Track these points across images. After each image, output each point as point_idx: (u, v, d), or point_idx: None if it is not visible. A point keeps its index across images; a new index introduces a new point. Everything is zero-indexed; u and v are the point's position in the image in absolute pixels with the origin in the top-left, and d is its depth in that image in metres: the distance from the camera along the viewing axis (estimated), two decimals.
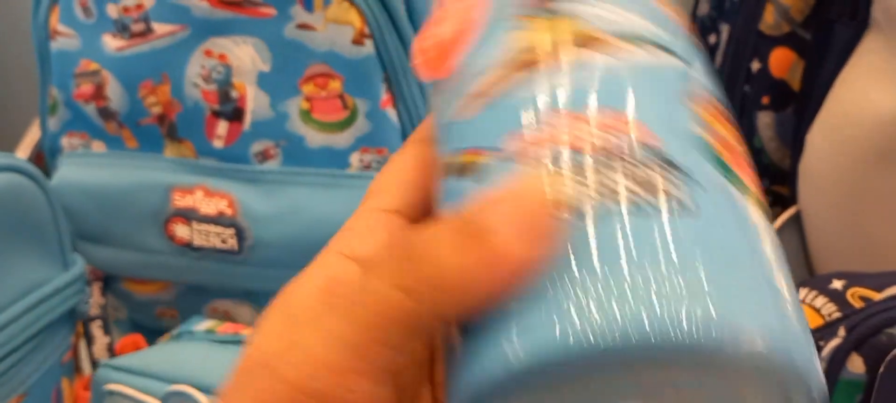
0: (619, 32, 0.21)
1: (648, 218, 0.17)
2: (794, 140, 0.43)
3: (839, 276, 0.36)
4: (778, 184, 0.44)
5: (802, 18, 0.41)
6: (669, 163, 0.18)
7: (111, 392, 0.39)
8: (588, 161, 0.18)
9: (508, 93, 0.21)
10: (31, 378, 0.39)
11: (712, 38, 0.47)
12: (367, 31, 0.42)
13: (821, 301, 0.36)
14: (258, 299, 0.48)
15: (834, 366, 0.32)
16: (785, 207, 0.44)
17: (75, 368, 0.45)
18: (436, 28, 0.23)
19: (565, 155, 0.19)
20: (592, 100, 0.20)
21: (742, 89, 0.42)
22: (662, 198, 0.18)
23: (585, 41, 0.21)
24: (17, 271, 0.37)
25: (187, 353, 0.42)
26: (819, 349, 0.33)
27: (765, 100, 0.42)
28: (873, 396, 0.32)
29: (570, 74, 0.20)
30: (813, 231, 0.43)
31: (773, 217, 0.45)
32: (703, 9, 0.48)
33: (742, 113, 0.42)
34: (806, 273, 0.44)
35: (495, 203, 0.17)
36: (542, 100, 0.20)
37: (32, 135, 0.56)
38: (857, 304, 0.36)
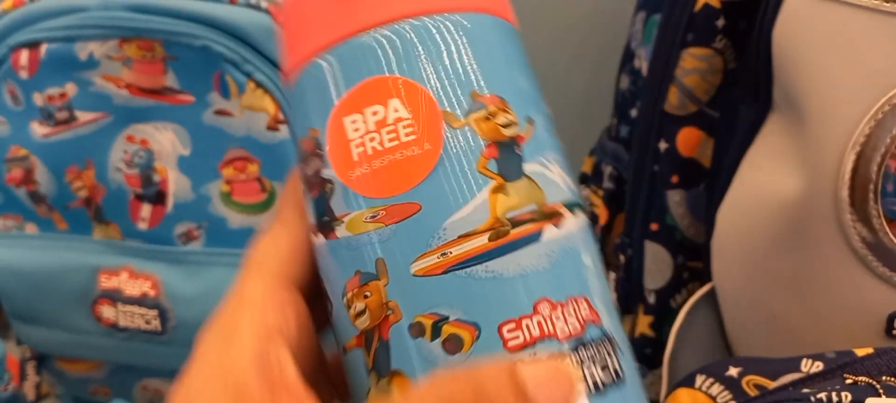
0: (565, 200, 0.24)
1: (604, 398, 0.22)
2: (707, 216, 0.43)
3: (737, 363, 0.36)
4: (692, 260, 0.44)
5: (708, 98, 0.42)
6: (610, 340, 0.23)
7: None
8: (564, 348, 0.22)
9: (489, 269, 0.22)
10: None
11: (633, 112, 0.48)
12: (281, 116, 0.43)
13: (716, 389, 0.36)
14: None
15: None
16: (702, 282, 0.44)
17: None
18: (375, 127, 0.23)
19: (544, 345, 0.22)
20: (562, 287, 0.23)
21: (651, 169, 0.43)
22: (611, 374, 0.22)
23: (547, 215, 0.23)
24: None
25: None
26: None
27: (674, 178, 0.42)
28: None
29: (540, 256, 0.23)
30: (726, 307, 0.43)
31: (689, 293, 0.45)
32: (624, 83, 0.48)
33: (652, 192, 0.43)
34: (723, 347, 0.44)
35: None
36: (521, 286, 0.22)
37: None
38: (752, 392, 0.36)
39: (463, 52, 0.24)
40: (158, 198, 0.46)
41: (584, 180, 0.51)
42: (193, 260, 0.46)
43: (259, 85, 0.42)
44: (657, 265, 0.44)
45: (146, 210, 0.46)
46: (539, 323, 0.22)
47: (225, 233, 0.46)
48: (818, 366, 0.35)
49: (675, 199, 0.43)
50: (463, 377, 0.21)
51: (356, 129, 0.23)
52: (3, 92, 0.46)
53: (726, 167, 0.41)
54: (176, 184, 0.45)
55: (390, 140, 0.23)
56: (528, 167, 0.23)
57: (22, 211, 0.49)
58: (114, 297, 0.47)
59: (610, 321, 0.23)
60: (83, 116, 0.45)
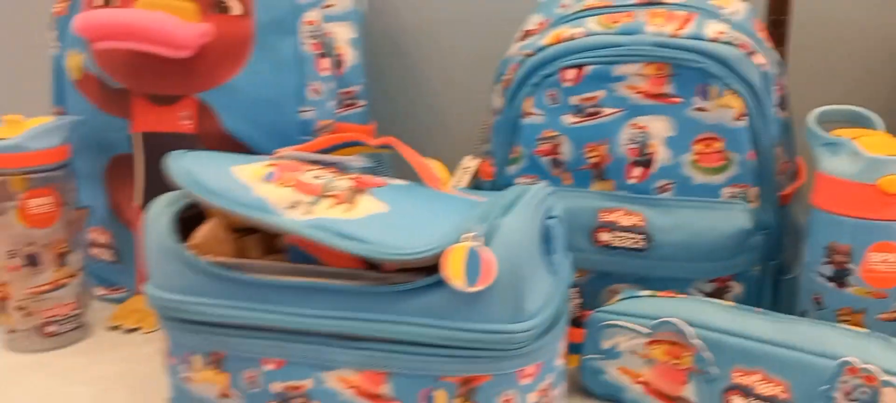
0: None
1: None
2: None
3: None
4: None
5: None
6: None
7: (609, 325, 0.65)
8: None
9: None
10: None
11: None
12: (744, 111, 0.68)
13: None
14: (652, 284, 0.74)
15: None
16: None
17: None
18: None
19: None
20: None
21: None
22: None
23: None
24: None
25: (655, 303, 0.66)
26: None
27: None
28: None
29: None
30: None
31: None
32: None
33: None
34: None
35: None
36: None
37: (468, 165, 0.83)
38: None
39: None
40: (647, 163, 0.72)
41: None
42: (667, 204, 0.71)
43: (733, 92, 0.68)
44: None
45: (637, 171, 0.72)
46: None
47: (690, 187, 0.71)
48: None
49: None
50: None
51: None
52: (544, 96, 0.73)
53: None
54: (661, 154, 0.71)
55: None
56: None
57: (539, 172, 0.75)
58: (611, 227, 0.72)
59: None
60: (605, 111, 0.71)
